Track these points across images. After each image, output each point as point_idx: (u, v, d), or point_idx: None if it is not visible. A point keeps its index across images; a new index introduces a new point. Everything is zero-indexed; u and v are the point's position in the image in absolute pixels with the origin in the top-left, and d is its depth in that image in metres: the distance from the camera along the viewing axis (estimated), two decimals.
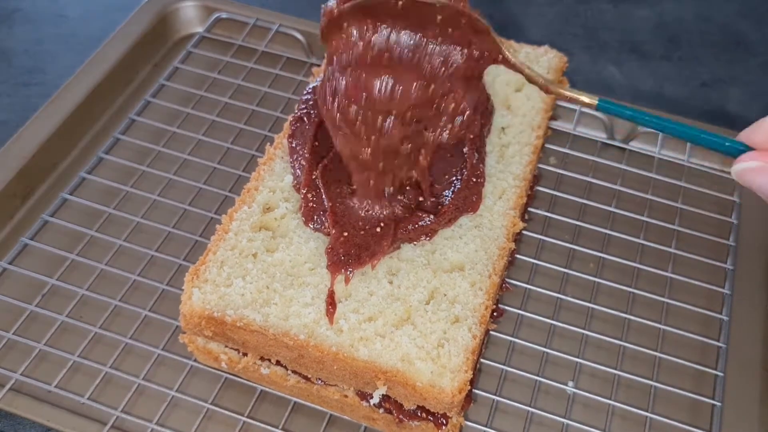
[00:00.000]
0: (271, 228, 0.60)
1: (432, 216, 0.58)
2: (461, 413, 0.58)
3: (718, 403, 0.62)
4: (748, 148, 0.46)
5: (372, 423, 0.60)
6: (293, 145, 0.62)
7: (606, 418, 0.61)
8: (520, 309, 0.67)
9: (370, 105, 0.51)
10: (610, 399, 0.62)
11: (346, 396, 0.58)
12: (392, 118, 0.52)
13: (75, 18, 0.98)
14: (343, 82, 0.51)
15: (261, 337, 0.54)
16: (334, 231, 0.56)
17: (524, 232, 0.71)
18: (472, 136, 0.58)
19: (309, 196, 0.59)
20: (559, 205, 0.75)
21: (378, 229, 0.57)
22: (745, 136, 0.46)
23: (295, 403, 0.62)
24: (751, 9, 1.04)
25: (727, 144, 0.47)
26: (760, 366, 0.65)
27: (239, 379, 0.63)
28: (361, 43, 0.50)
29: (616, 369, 0.63)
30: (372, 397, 0.57)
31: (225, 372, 0.63)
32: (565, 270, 0.69)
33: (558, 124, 0.81)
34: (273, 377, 0.60)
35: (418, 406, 0.56)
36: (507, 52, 0.51)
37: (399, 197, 0.58)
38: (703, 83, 0.93)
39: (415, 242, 0.59)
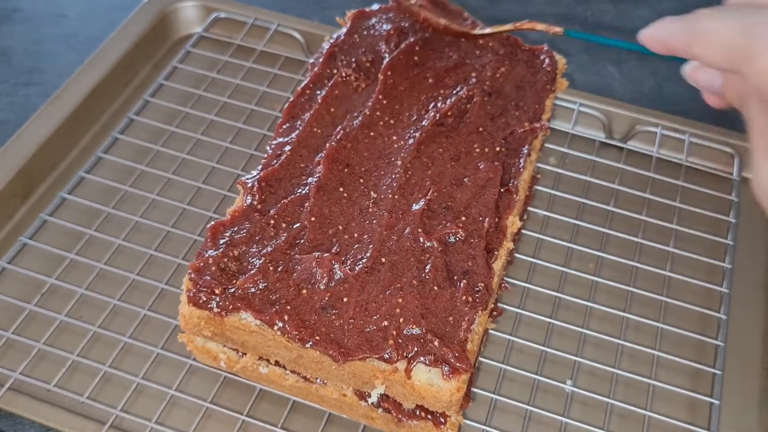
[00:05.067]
0: None
1: None
2: (460, 412, 0.58)
3: (717, 402, 0.62)
4: None
5: (371, 422, 0.60)
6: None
7: (604, 416, 0.61)
8: (518, 308, 0.67)
9: None
10: (608, 397, 0.62)
11: (344, 395, 0.58)
12: None
13: (75, 18, 0.98)
14: None
15: (260, 338, 0.54)
16: None
17: (523, 231, 0.71)
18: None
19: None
20: (557, 204, 0.75)
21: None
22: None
23: (294, 401, 0.62)
24: None
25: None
26: (758, 364, 0.66)
27: (238, 378, 0.63)
28: None
29: (614, 367, 0.63)
30: (371, 397, 0.57)
31: (224, 371, 0.63)
32: (564, 269, 0.69)
33: (556, 124, 0.81)
34: (272, 376, 0.60)
35: (416, 405, 0.56)
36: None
37: None
38: None
39: None
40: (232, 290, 0.54)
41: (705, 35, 0.40)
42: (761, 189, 0.40)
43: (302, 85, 0.68)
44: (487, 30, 0.63)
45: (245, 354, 0.60)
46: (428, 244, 0.56)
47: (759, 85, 0.38)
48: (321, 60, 0.70)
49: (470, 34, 0.64)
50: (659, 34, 0.44)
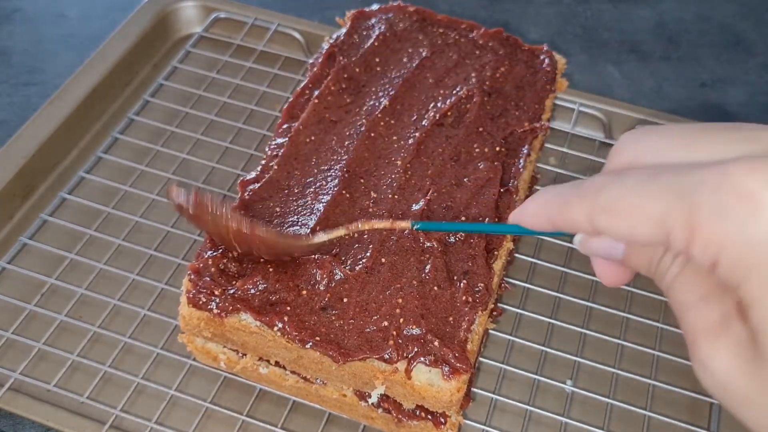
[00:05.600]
0: None
1: None
2: (460, 412, 0.58)
3: (717, 402, 0.62)
4: None
5: (371, 422, 0.60)
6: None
7: (604, 416, 0.61)
8: (518, 308, 0.67)
9: None
10: (608, 398, 0.62)
11: (344, 395, 0.58)
12: None
13: (75, 18, 0.98)
14: None
15: (260, 338, 0.54)
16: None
17: None
18: None
19: None
20: None
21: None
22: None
23: (294, 402, 0.62)
24: (751, 9, 1.04)
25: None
26: None
27: (238, 378, 0.63)
28: None
29: (614, 368, 0.63)
30: (371, 397, 0.57)
31: (224, 371, 0.63)
32: (564, 269, 0.69)
33: (556, 124, 0.81)
34: (272, 377, 0.60)
35: (416, 406, 0.56)
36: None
37: None
38: (703, 83, 0.93)
39: None
40: (232, 291, 0.54)
41: (615, 206, 0.32)
42: (717, 386, 0.31)
43: (302, 85, 0.68)
44: (323, 238, 0.53)
45: (245, 354, 0.60)
46: (428, 244, 0.56)
47: (706, 256, 0.29)
48: (320, 60, 0.70)
49: (304, 245, 0.54)
50: (544, 210, 0.36)
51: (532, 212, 0.36)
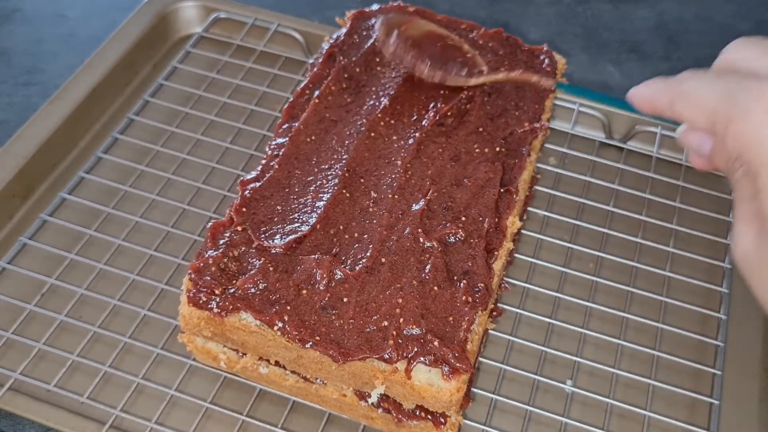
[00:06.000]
0: None
1: None
2: (460, 412, 0.58)
3: (717, 402, 0.62)
4: None
5: (371, 422, 0.60)
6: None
7: (604, 416, 0.61)
8: (518, 308, 0.67)
9: None
10: (608, 398, 0.62)
11: (344, 395, 0.58)
12: None
13: (75, 18, 0.98)
14: None
15: (260, 338, 0.54)
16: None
17: (523, 231, 0.71)
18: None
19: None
20: (557, 204, 0.75)
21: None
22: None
23: (294, 402, 0.62)
24: (751, 9, 1.04)
25: None
26: (758, 364, 0.65)
27: (238, 378, 0.63)
28: None
29: (614, 368, 0.63)
30: (370, 397, 0.57)
31: (224, 371, 0.63)
32: (564, 269, 0.69)
33: (556, 124, 0.81)
34: (272, 377, 0.60)
35: (416, 405, 0.56)
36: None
37: None
38: None
39: None
40: (232, 290, 0.54)
41: (688, 95, 0.42)
42: (744, 258, 0.40)
43: (302, 85, 0.68)
44: (481, 79, 0.65)
45: (245, 354, 0.60)
46: (428, 244, 0.56)
47: (734, 148, 0.39)
48: (321, 60, 0.70)
49: (463, 87, 0.67)
50: (646, 93, 0.45)
51: (638, 94, 0.46)
